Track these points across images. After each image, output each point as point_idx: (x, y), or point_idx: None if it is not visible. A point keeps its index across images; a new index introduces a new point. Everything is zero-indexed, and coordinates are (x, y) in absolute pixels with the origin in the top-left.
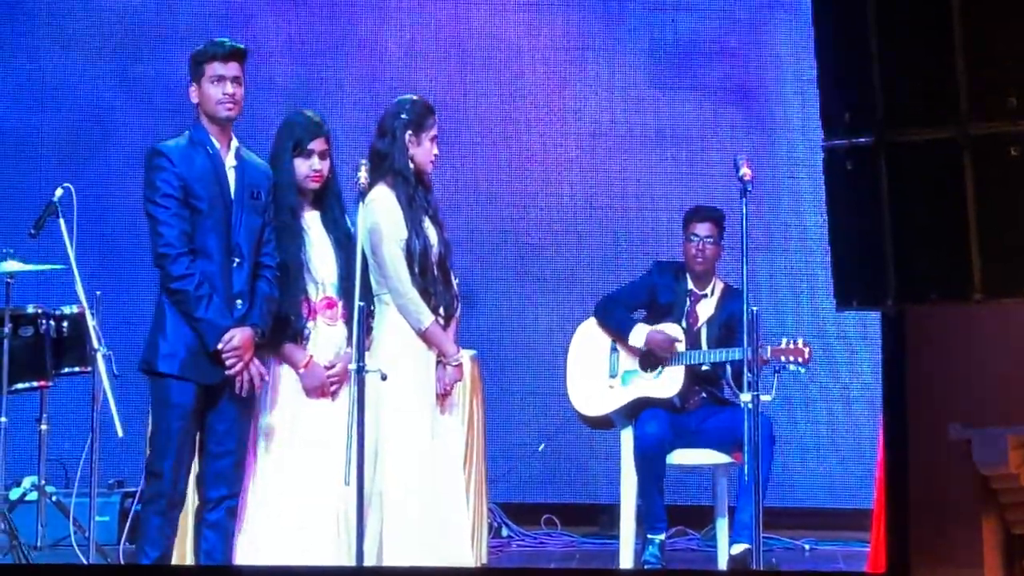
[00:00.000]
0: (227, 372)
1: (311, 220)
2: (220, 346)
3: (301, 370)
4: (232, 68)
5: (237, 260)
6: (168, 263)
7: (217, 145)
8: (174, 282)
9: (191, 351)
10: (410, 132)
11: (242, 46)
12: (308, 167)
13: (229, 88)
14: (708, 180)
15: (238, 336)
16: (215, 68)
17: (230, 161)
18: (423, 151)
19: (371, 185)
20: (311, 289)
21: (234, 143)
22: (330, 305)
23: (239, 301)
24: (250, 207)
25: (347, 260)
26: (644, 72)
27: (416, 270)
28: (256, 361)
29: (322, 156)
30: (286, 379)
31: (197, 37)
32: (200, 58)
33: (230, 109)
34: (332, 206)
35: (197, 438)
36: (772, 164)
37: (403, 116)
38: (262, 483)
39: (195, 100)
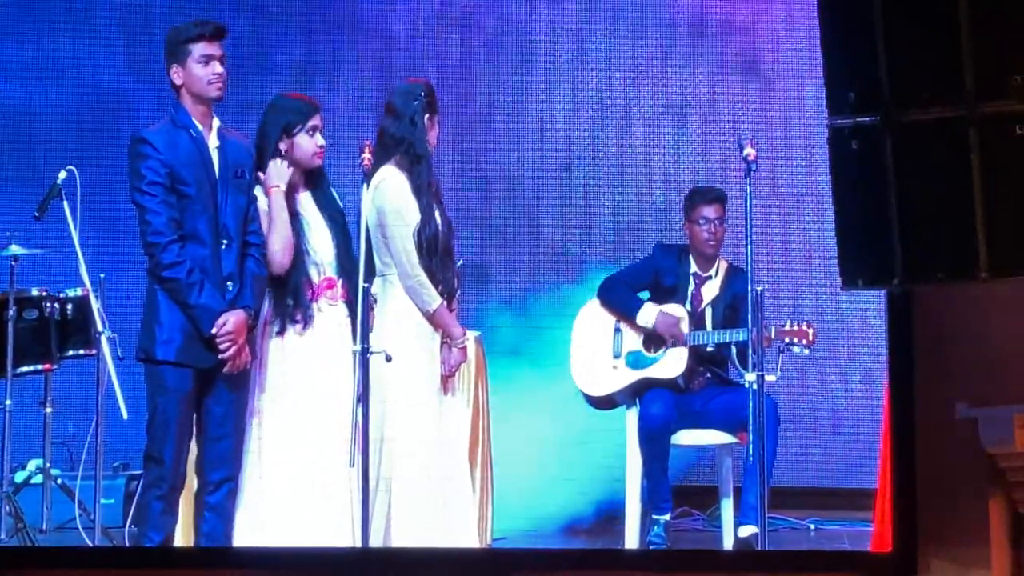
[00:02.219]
0: (221, 356)
1: (305, 201)
2: (214, 331)
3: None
4: (217, 47)
5: (225, 241)
6: (158, 251)
7: (200, 127)
8: (165, 270)
9: (187, 336)
10: (427, 116)
11: (223, 25)
12: (314, 144)
13: (218, 68)
14: (716, 157)
15: (232, 320)
16: (203, 48)
17: (213, 142)
18: (434, 134)
19: (376, 166)
20: (312, 271)
21: (216, 123)
22: (330, 285)
23: (229, 283)
24: (235, 186)
25: (343, 238)
26: (651, 48)
27: (424, 252)
28: (246, 345)
29: (321, 132)
30: (288, 357)
31: (203, 17)
32: (184, 38)
33: (220, 89)
34: (323, 185)
35: (194, 422)
36: (778, 142)
37: (419, 100)
38: (263, 461)
39: (179, 82)
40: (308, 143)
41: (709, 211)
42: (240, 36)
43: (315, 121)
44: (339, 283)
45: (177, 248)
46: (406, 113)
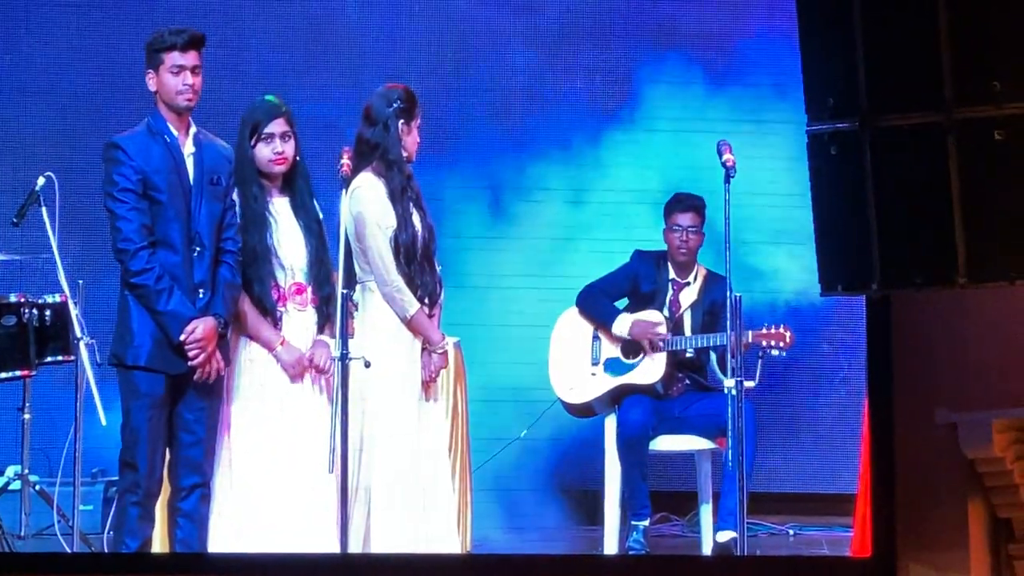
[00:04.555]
0: (190, 363)
1: (280, 205)
2: (183, 337)
3: (278, 348)
4: (191, 57)
5: (198, 249)
6: (127, 258)
7: (175, 133)
8: (134, 277)
9: (157, 342)
10: (402, 122)
11: (201, 34)
12: (270, 150)
13: (189, 79)
14: (691, 165)
15: (201, 327)
16: (174, 58)
17: (188, 148)
18: (411, 140)
19: (354, 172)
20: (279, 275)
21: (192, 129)
22: (299, 291)
23: (201, 291)
24: (210, 193)
25: (317, 246)
26: (627, 56)
27: (402, 259)
28: (217, 352)
29: (284, 138)
30: (261, 363)
31: (179, 24)
32: (158, 47)
33: (189, 100)
34: (301, 191)
35: (167, 427)
36: (755, 148)
37: (394, 106)
38: (233, 469)
39: (153, 88)
40: (264, 149)
41: (682, 219)
42: (222, 42)
43: (273, 128)
44: (309, 289)
45: (146, 255)
46: (380, 118)
